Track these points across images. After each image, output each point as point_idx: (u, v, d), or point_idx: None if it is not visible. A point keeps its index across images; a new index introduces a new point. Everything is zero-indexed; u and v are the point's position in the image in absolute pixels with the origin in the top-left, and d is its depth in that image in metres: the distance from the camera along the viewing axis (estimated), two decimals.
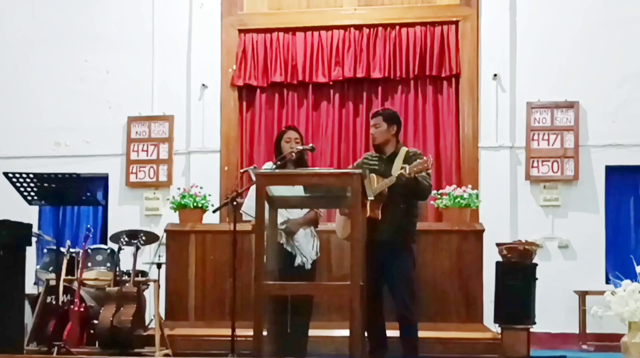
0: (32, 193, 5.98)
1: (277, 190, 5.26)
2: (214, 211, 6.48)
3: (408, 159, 5.82)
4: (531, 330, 6.78)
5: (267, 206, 5.03)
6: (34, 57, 9.78)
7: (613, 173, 8.92)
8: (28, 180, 5.89)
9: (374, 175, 5.83)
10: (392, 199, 5.76)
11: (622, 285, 5.21)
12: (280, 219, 5.63)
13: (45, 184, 5.90)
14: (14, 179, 5.90)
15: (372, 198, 5.59)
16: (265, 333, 5.05)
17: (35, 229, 7.76)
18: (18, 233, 5.24)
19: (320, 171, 5.65)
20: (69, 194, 6.03)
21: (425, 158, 5.76)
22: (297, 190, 5.32)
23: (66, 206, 9.35)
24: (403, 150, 5.99)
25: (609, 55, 8.87)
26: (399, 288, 5.81)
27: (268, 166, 5.99)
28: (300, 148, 5.90)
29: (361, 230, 4.97)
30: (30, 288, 7.33)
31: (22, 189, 5.93)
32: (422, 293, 6.51)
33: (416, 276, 6.10)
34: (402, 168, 5.73)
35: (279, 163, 5.79)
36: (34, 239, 7.14)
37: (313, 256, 5.89)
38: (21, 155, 9.30)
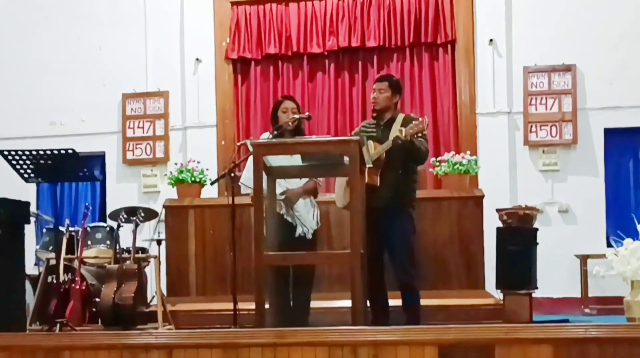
0: (29, 171, 5.94)
1: (275, 160, 5.24)
2: (212, 184, 6.45)
3: (405, 124, 5.78)
4: (533, 295, 6.77)
5: (265, 176, 5.00)
6: (26, 36, 9.69)
7: (612, 135, 8.89)
8: (24, 157, 5.85)
9: (371, 142, 5.80)
10: (389, 165, 5.73)
11: (624, 243, 5.20)
12: (279, 190, 5.60)
13: (42, 161, 5.85)
14: (10, 157, 5.86)
15: (371, 165, 5.56)
16: (267, 306, 5.05)
17: (33, 209, 7.75)
18: (16, 212, 5.21)
19: (318, 139, 5.61)
20: (66, 171, 5.98)
21: (425, 118, 5.71)
22: (295, 160, 5.29)
23: (63, 183, 9.36)
24: (400, 116, 5.95)
25: (605, 16, 8.80)
26: (398, 254, 5.80)
27: (265, 136, 5.95)
28: (297, 116, 5.85)
29: (360, 198, 4.95)
30: (30, 269, 7.33)
31: (18, 167, 5.89)
32: (423, 261, 6.49)
33: (416, 243, 6.09)
34: (398, 130, 5.70)
35: (275, 132, 5.74)
36: (32, 219, 7.13)
37: (314, 226, 5.86)
38: (17, 136, 9.22)
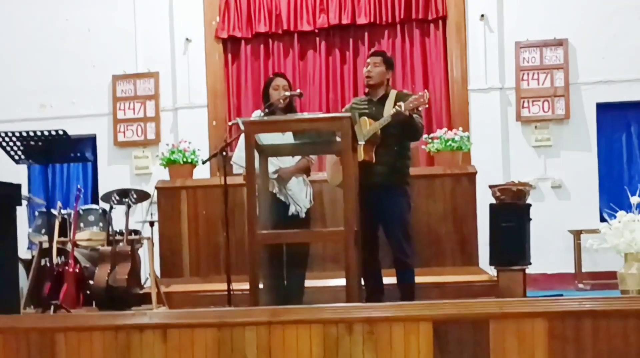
0: (19, 152, 5.90)
1: (267, 138, 5.21)
2: (204, 163, 6.43)
3: (399, 100, 5.74)
4: (527, 271, 6.76)
5: (257, 154, 4.97)
6: (14, 19, 9.62)
7: (604, 110, 8.89)
8: (14, 139, 5.81)
9: (365, 118, 5.77)
10: (385, 141, 5.71)
11: (617, 216, 5.20)
12: (271, 169, 5.58)
13: (32, 143, 5.81)
14: (0, 139, 5.82)
15: (363, 142, 5.53)
16: (261, 286, 5.04)
17: (25, 192, 7.71)
18: (7, 194, 5.17)
19: (310, 116, 5.57)
20: (57, 152, 5.95)
21: (426, 92, 5.68)
22: (287, 138, 5.27)
23: (55, 166, 9.32)
24: (393, 92, 5.92)
25: None
26: (394, 231, 5.79)
27: (257, 114, 5.91)
28: (288, 94, 5.81)
29: (353, 175, 4.93)
30: (23, 253, 7.31)
31: (8, 149, 5.86)
32: (416, 238, 6.49)
33: (411, 220, 6.08)
34: (397, 105, 5.66)
35: (267, 110, 5.71)
36: (24, 202, 7.10)
37: (307, 204, 5.85)
38: (6, 119, 9.17)
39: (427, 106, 5.74)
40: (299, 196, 5.79)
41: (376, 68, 5.90)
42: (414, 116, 5.69)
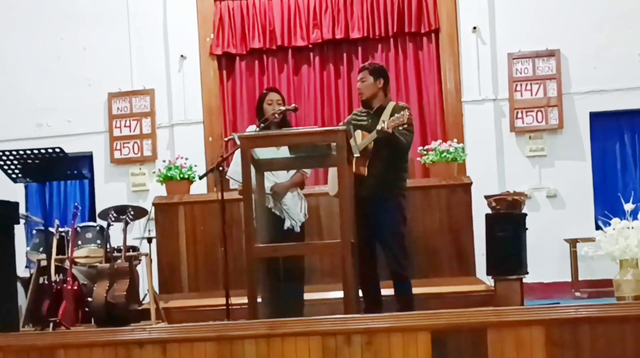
0: (17, 171, 5.93)
1: (263, 153, 5.24)
2: (200, 178, 6.47)
3: (395, 112, 5.80)
4: (524, 280, 6.80)
5: (252, 169, 5.01)
6: (9, 38, 9.63)
7: (597, 119, 8.92)
8: (12, 158, 5.83)
9: (359, 131, 5.81)
10: (377, 155, 5.75)
11: (612, 223, 5.23)
12: (267, 184, 5.61)
13: (29, 161, 5.84)
14: None
15: (359, 155, 5.57)
16: (259, 300, 5.06)
17: (23, 211, 7.72)
18: (5, 212, 5.19)
19: (305, 130, 5.62)
20: (54, 170, 5.97)
21: (407, 111, 5.73)
22: (282, 152, 5.30)
23: (52, 184, 9.33)
24: (391, 104, 5.96)
25: (586, 0, 8.82)
26: (388, 244, 5.82)
27: (251, 129, 5.95)
28: (283, 108, 5.85)
29: (349, 187, 4.97)
30: (22, 271, 7.31)
31: (5, 167, 5.88)
32: (413, 250, 6.52)
33: (407, 232, 6.10)
34: (382, 121, 5.72)
35: (262, 125, 5.74)
36: (22, 221, 7.10)
37: (302, 218, 5.88)
38: (3, 138, 9.16)
39: (405, 125, 5.73)
40: (294, 210, 5.82)
41: (364, 83, 5.97)
42: (400, 131, 5.71)
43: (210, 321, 6.27)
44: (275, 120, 5.81)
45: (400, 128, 5.69)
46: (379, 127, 5.69)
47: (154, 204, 7.43)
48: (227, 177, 5.89)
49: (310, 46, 9.24)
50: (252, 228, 4.86)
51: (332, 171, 5.99)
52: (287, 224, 5.78)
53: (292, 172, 5.85)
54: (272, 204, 5.74)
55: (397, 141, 5.75)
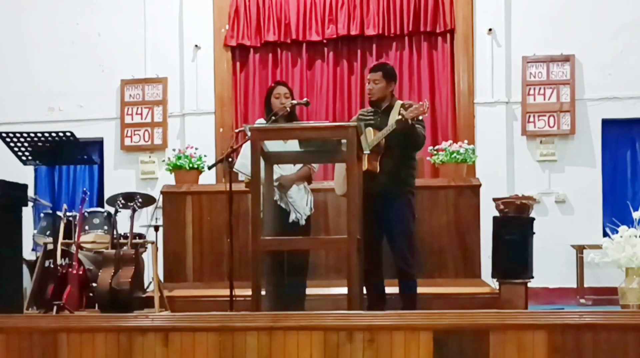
0: (27, 153, 5.95)
1: (272, 146, 5.23)
2: (210, 168, 6.46)
3: (404, 109, 5.78)
4: (529, 285, 6.79)
5: (262, 161, 5.00)
6: (25, 22, 9.67)
7: (609, 126, 8.90)
8: (22, 140, 5.85)
9: (370, 129, 5.80)
10: (389, 151, 5.75)
11: (619, 231, 5.22)
12: (273, 176, 5.60)
13: (40, 144, 5.86)
14: (8, 139, 5.86)
15: (368, 151, 5.57)
16: (264, 293, 5.06)
17: (31, 194, 7.75)
18: (13, 194, 5.21)
19: (316, 125, 5.60)
20: (64, 154, 5.98)
21: (425, 101, 5.72)
22: (292, 146, 5.29)
23: (61, 168, 9.36)
24: (398, 103, 5.96)
25: (604, 7, 8.80)
26: (397, 241, 5.81)
27: (259, 122, 5.94)
28: (295, 102, 5.84)
29: (357, 183, 4.96)
30: (28, 254, 7.34)
31: (16, 149, 5.90)
32: (420, 249, 6.51)
33: (415, 230, 6.10)
34: (399, 113, 5.71)
35: (273, 118, 5.73)
36: (30, 204, 7.13)
37: (307, 212, 5.87)
38: (15, 121, 9.20)
39: (426, 115, 5.77)
40: (300, 203, 5.81)
41: (377, 85, 5.95)
42: (416, 125, 5.73)
43: (213, 311, 6.29)
44: (285, 113, 5.80)
45: (417, 119, 5.69)
46: (398, 117, 5.68)
47: (162, 192, 7.45)
48: (234, 170, 5.88)
49: (324, 41, 9.24)
50: (258, 220, 4.86)
51: (339, 171, 5.97)
52: (292, 217, 5.77)
53: (299, 165, 5.84)
54: (277, 197, 5.73)
55: (417, 133, 5.74)
